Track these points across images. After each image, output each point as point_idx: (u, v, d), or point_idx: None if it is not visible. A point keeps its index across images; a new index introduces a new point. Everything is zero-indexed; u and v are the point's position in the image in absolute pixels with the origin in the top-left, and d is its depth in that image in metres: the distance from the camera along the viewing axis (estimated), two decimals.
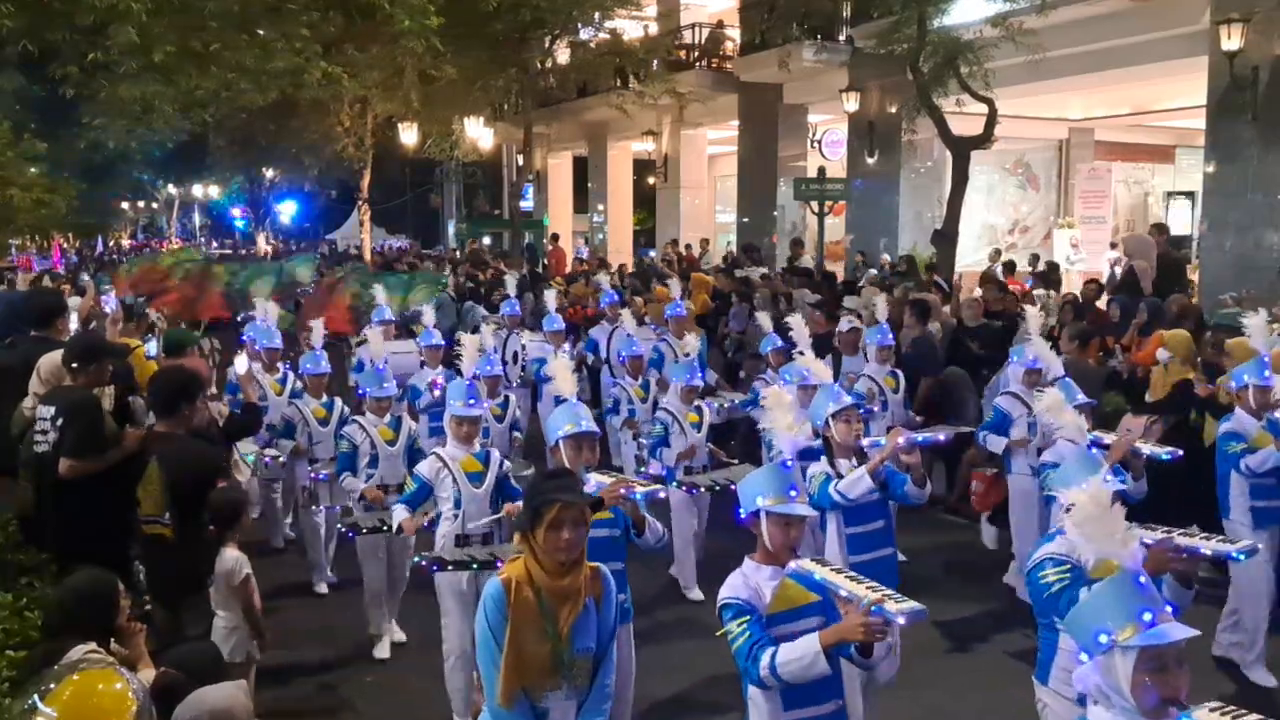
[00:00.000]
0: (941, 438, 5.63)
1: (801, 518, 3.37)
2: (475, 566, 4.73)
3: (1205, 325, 8.74)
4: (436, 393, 7.87)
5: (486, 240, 28.37)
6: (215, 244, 46.96)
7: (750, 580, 3.35)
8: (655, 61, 19.33)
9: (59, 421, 4.86)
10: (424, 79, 17.15)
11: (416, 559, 4.81)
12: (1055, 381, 5.93)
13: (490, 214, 33.47)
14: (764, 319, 8.85)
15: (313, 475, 7.10)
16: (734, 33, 20.44)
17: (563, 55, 19.90)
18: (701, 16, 21.96)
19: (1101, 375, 8.23)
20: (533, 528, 3.11)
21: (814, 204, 16.14)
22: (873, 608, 3.03)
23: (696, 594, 7.09)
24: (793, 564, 3.34)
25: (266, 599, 6.40)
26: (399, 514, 5.18)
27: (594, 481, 4.47)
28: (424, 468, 5.26)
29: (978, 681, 5.85)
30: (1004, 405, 6.89)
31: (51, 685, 2.71)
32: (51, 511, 4.87)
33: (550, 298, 10.68)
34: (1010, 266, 14.94)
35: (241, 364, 6.96)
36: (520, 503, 4.74)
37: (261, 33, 12.13)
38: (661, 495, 4.84)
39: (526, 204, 26.41)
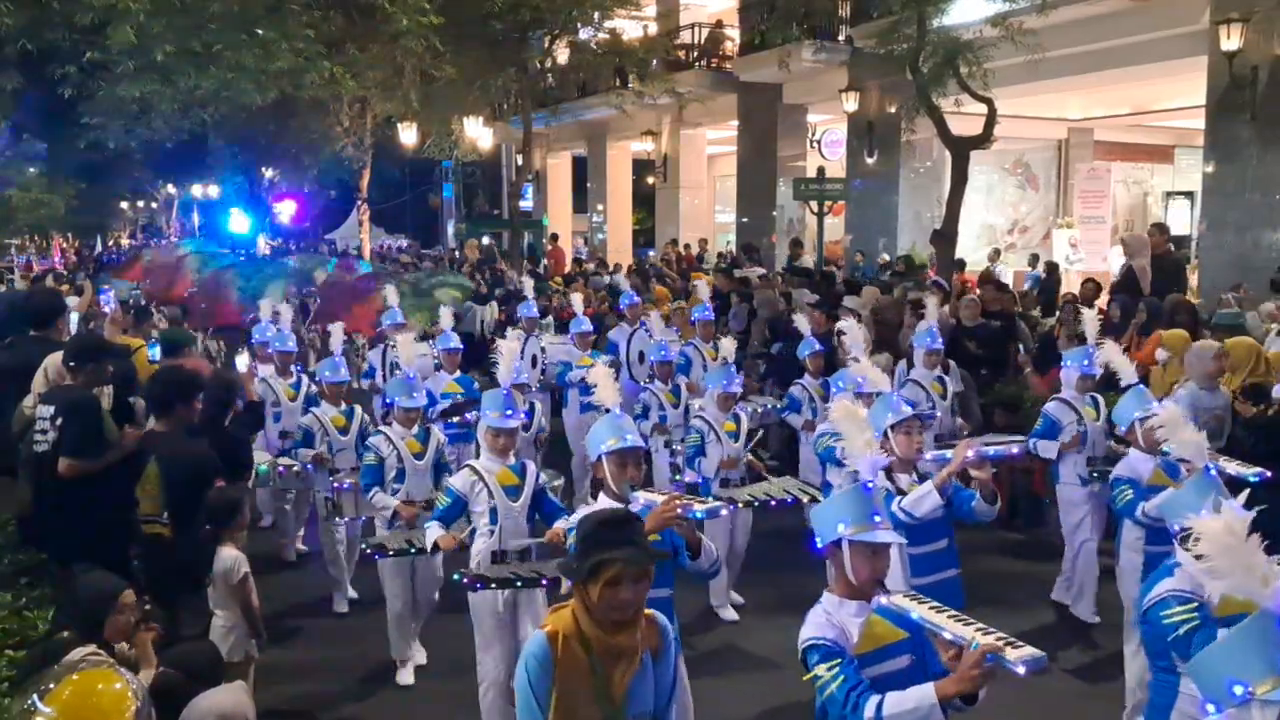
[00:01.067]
0: (1015, 450, 5.21)
1: (888, 545, 3.06)
2: (519, 584, 4.49)
3: (1203, 323, 8.73)
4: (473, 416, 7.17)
5: (485, 240, 28.29)
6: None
7: (834, 617, 3.01)
8: (655, 61, 19.31)
9: (58, 421, 4.86)
10: (424, 79, 17.13)
11: (456, 575, 4.51)
12: (1127, 389, 5.40)
13: (490, 214, 33.45)
14: (802, 321, 8.45)
15: (336, 485, 6.75)
16: (734, 33, 20.47)
17: (562, 55, 19.90)
18: (701, 16, 21.98)
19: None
20: (587, 582, 2.70)
21: (813, 204, 16.12)
22: (988, 655, 2.75)
23: (731, 614, 6.67)
24: (882, 599, 3.02)
25: (278, 615, 6.29)
26: (433, 532, 4.85)
27: (643, 500, 4.02)
28: (457, 481, 4.95)
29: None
30: (1053, 412, 6.62)
31: (51, 685, 2.71)
32: (51, 511, 4.87)
33: (577, 300, 10.46)
34: (961, 266, 14.90)
35: (242, 363, 6.97)
36: (561, 525, 4.49)
37: (261, 33, 12.12)
38: (724, 513, 4.43)
39: (526, 204, 26.38)
